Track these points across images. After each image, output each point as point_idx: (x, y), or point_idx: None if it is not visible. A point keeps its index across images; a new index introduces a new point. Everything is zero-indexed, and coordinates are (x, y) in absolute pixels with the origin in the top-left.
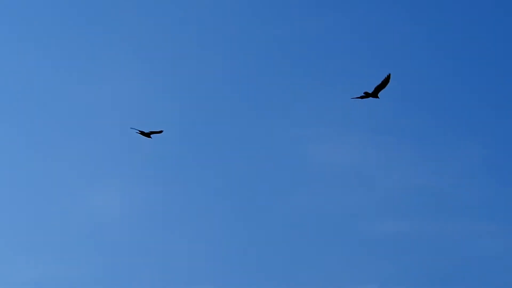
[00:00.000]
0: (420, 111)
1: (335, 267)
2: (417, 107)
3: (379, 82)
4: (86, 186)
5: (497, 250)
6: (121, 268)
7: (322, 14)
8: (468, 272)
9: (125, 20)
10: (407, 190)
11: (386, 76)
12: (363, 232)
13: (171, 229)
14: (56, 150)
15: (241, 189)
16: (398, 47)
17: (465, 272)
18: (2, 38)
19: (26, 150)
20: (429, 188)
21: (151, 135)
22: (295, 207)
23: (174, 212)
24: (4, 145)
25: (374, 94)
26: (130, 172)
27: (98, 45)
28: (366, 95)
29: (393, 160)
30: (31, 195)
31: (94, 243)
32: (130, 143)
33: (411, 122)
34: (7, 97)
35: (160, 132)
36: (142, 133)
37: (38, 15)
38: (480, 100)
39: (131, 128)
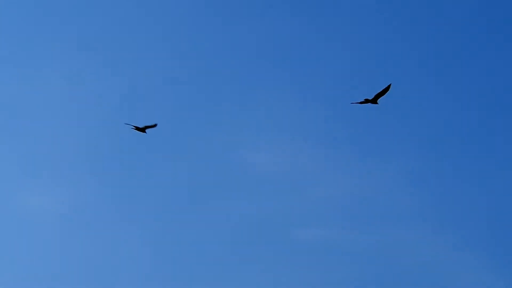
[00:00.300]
0: (354, 122)
1: (265, 272)
2: (351, 118)
3: (379, 89)
4: (19, 186)
5: (423, 258)
6: (53, 268)
7: (269, 18)
8: (397, 279)
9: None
10: (338, 198)
11: (387, 85)
12: (294, 239)
13: (106, 230)
14: None
15: (174, 193)
16: (338, 55)
17: (394, 279)
18: None
19: None
20: (359, 197)
21: (146, 130)
22: (228, 212)
23: (109, 213)
24: None
25: (374, 100)
26: (64, 172)
27: (26, 46)
28: (366, 101)
29: (327, 168)
30: None
31: (27, 243)
32: (64, 143)
33: (346, 132)
34: None
35: (155, 125)
36: (137, 128)
37: None
38: (410, 112)
39: (126, 124)
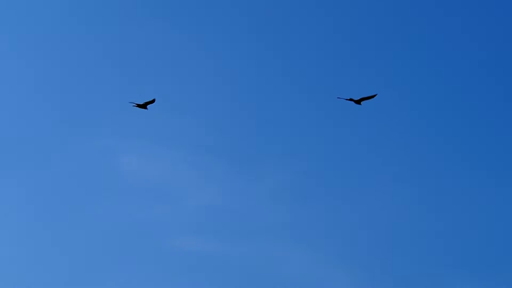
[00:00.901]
0: (234, 136)
1: (135, 279)
2: (232, 132)
3: (366, 95)
4: None
5: (293, 273)
6: None
7: (163, 21)
8: None
9: None
10: (213, 209)
11: (374, 94)
12: (166, 247)
13: None
14: None
15: (49, 195)
16: (226, 63)
17: None
18: None
19: None
20: (234, 209)
21: (147, 106)
22: (100, 216)
23: None
24: None
25: (358, 101)
26: None
27: None
28: (351, 99)
29: (204, 178)
30: None
31: None
32: None
33: (225, 145)
34: None
35: (153, 101)
36: (139, 105)
37: None
38: (286, 130)
39: (130, 102)
